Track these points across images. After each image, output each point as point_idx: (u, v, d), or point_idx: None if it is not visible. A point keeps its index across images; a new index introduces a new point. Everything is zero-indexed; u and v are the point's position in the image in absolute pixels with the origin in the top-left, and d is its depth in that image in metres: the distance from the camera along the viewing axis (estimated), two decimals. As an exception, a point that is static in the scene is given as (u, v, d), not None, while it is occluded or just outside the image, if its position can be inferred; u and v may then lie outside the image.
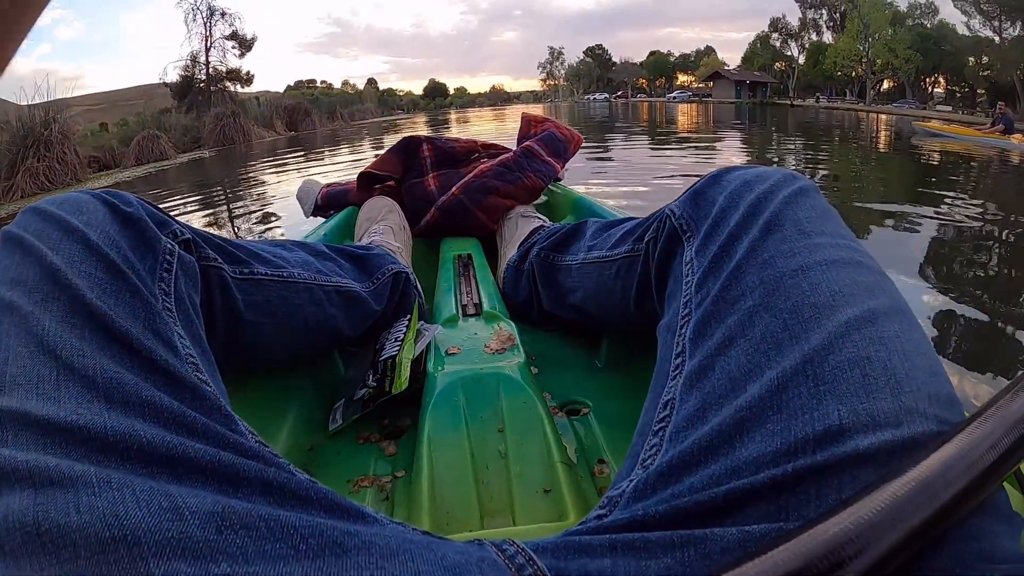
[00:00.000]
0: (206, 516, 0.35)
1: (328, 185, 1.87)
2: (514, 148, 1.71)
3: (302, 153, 13.95)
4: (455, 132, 20.28)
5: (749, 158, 8.93)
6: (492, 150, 1.75)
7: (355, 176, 1.73)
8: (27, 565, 0.32)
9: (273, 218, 5.74)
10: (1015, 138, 11.28)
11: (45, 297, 0.46)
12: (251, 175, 10.53)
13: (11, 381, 0.41)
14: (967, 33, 41.11)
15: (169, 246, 0.60)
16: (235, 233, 5.30)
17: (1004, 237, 4.24)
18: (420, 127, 26.02)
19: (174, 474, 0.39)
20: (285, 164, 11.76)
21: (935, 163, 9.01)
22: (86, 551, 0.32)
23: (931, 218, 4.63)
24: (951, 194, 5.72)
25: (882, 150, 11.13)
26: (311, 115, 27.58)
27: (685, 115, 26.95)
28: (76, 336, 0.45)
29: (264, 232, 5.21)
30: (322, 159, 12.11)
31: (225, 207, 7.05)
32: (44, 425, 0.38)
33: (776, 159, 8.99)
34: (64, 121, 11.99)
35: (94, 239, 0.52)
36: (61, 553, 0.32)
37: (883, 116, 17.20)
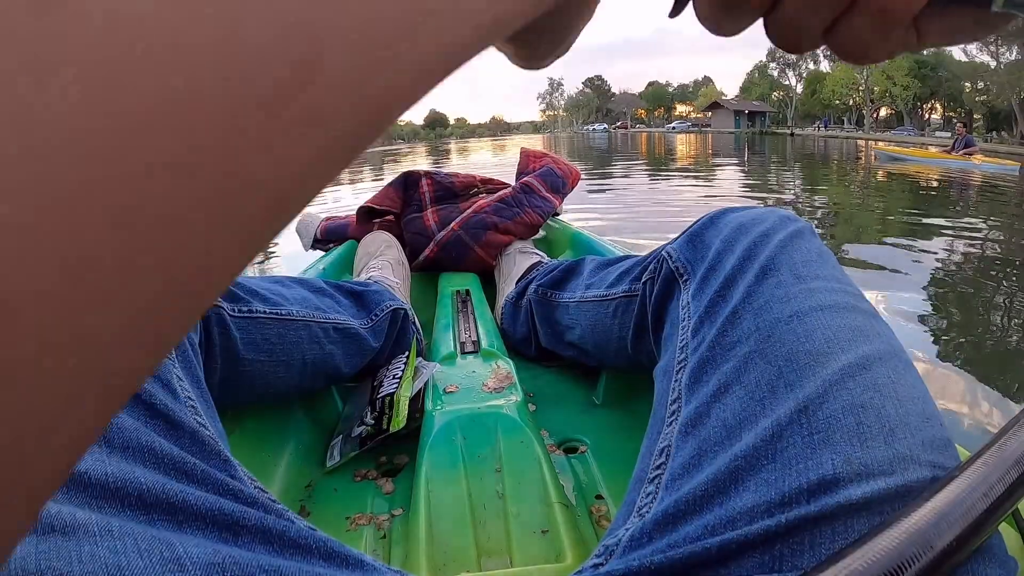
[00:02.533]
0: (207, 567, 0.35)
1: (327, 218, 1.87)
2: (512, 183, 1.73)
3: None
4: (455, 162, 20.33)
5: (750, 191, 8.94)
6: (490, 185, 1.76)
7: (354, 210, 1.74)
8: None
9: (269, 249, 5.70)
10: (976, 158, 11.44)
11: None
12: None
13: None
14: (964, 59, 41.48)
15: None
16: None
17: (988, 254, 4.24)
18: (420, 156, 26.09)
19: (174, 521, 0.39)
20: None
21: (921, 188, 9.05)
22: None
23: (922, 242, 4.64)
24: (939, 216, 5.73)
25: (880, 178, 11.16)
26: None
27: (684, 145, 27.05)
28: None
29: (261, 264, 5.19)
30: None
31: None
32: None
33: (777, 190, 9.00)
34: None
35: None
36: None
37: (880, 144, 17.39)
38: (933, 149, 16.73)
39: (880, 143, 18.24)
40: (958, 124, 16.69)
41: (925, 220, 5.59)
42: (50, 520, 0.34)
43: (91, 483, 0.38)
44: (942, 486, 0.34)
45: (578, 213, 5.66)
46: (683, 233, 0.69)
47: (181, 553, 0.35)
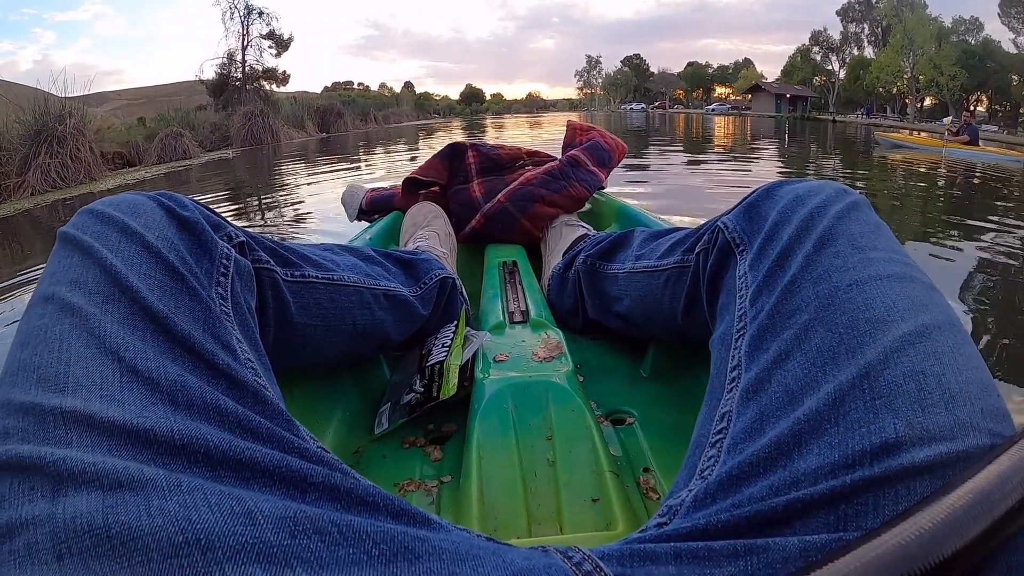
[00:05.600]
0: (279, 521, 0.35)
1: (373, 190, 1.88)
2: (558, 156, 1.72)
3: (336, 158, 13.73)
4: (491, 137, 20.23)
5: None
6: (537, 158, 1.76)
7: (399, 181, 1.75)
8: (97, 568, 0.32)
9: (308, 221, 5.71)
10: (989, 149, 11.23)
11: (106, 299, 0.46)
12: (273, 179, 10.19)
13: (75, 382, 0.40)
14: (1014, 50, 40.41)
15: (225, 249, 0.60)
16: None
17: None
18: (456, 132, 25.96)
19: (241, 478, 0.39)
20: (314, 168, 11.37)
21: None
22: (158, 555, 0.32)
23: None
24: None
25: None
26: (343, 117, 27.48)
27: (723, 128, 26.65)
28: (138, 338, 0.45)
29: (297, 234, 5.21)
30: (357, 165, 11.92)
31: (256, 210, 6.95)
32: (109, 427, 0.38)
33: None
34: (81, 116, 11.42)
35: (153, 242, 0.52)
36: (133, 556, 0.32)
37: (882, 131, 17.19)
38: (924, 135, 16.52)
39: (891, 132, 17.94)
40: (964, 113, 16.34)
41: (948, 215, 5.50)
42: (116, 476, 0.35)
43: (157, 440, 0.38)
44: (1003, 451, 0.35)
45: (617, 188, 5.62)
46: (738, 204, 0.69)
47: (252, 507, 0.35)
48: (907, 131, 19.04)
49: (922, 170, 9.50)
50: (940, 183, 8.26)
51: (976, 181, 8.40)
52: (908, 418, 0.39)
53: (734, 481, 0.43)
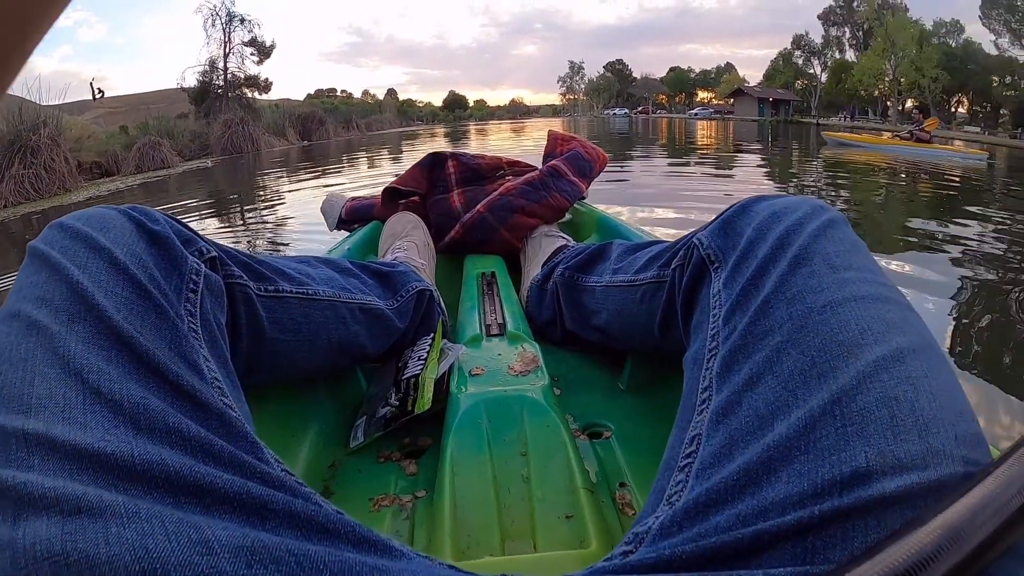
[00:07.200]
0: (235, 550, 0.35)
1: (352, 199, 1.87)
2: (539, 166, 1.72)
3: (316, 167, 13.67)
4: (474, 144, 20.23)
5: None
6: (517, 167, 1.75)
7: (379, 191, 1.74)
8: None
9: (288, 231, 5.68)
10: (959, 146, 11.38)
11: (71, 318, 0.46)
12: (254, 189, 10.08)
13: (37, 403, 0.40)
14: (995, 52, 40.81)
15: (195, 265, 0.59)
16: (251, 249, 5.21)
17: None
18: (439, 139, 25.97)
19: (201, 504, 0.39)
20: (295, 177, 11.29)
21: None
22: None
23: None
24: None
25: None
26: (325, 124, 27.56)
27: (706, 133, 26.76)
28: (103, 359, 0.44)
29: (286, 244, 5.19)
30: (339, 172, 11.86)
31: (239, 223, 6.90)
32: (71, 451, 0.38)
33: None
34: (56, 125, 11.37)
35: (121, 258, 0.52)
36: None
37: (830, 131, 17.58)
38: (886, 135, 16.79)
39: (842, 132, 18.22)
40: (915, 111, 16.55)
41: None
42: (76, 502, 0.35)
43: (118, 465, 0.38)
44: (976, 482, 0.34)
45: (599, 197, 5.63)
46: (714, 220, 0.69)
47: (209, 536, 0.35)
48: (890, 133, 19.25)
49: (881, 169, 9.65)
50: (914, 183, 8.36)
51: (946, 180, 8.51)
52: (880, 446, 0.39)
53: (701, 509, 0.43)
